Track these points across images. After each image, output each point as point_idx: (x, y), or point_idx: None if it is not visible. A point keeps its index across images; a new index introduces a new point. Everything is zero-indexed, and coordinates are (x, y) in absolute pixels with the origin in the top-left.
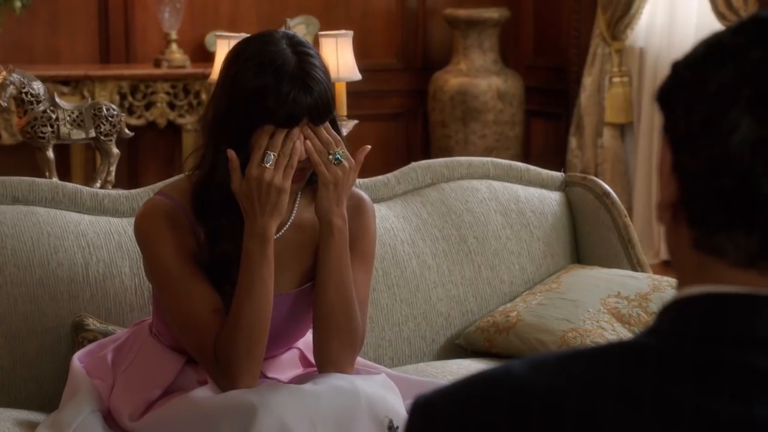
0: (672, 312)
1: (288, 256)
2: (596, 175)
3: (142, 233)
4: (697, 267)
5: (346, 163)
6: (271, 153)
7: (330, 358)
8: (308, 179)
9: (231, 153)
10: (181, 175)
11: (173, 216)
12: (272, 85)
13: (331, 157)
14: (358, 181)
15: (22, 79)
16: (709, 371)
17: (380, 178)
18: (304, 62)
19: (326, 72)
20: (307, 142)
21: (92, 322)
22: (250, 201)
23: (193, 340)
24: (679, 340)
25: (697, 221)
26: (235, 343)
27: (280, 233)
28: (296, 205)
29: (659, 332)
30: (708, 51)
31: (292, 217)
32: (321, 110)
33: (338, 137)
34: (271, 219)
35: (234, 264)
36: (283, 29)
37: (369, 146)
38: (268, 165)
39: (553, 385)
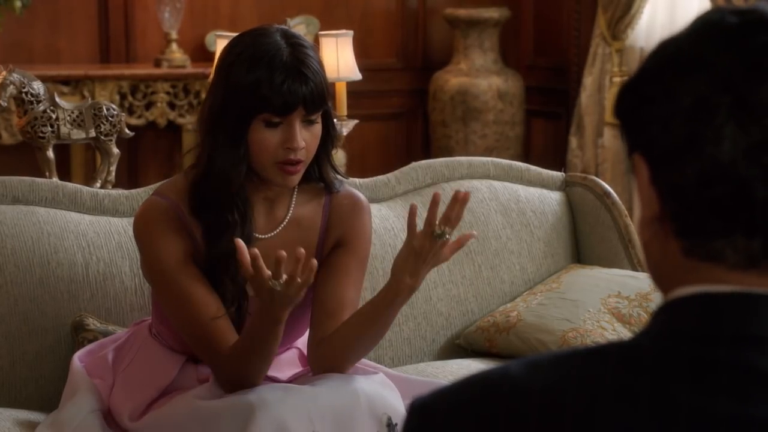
0: (666, 312)
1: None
2: (597, 175)
3: (139, 234)
4: (688, 271)
5: (446, 239)
6: (277, 282)
7: (333, 365)
8: (305, 174)
9: (239, 242)
10: (177, 174)
11: (169, 215)
12: (266, 75)
13: (439, 231)
14: (358, 181)
15: (22, 79)
16: (705, 370)
17: (380, 178)
18: (298, 52)
19: (321, 63)
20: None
21: (92, 322)
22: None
23: (192, 340)
24: (675, 339)
25: (690, 231)
26: (245, 371)
27: (277, 231)
28: (293, 202)
29: (654, 332)
30: (669, 63)
31: (290, 214)
32: (316, 99)
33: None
34: (284, 309)
35: (232, 256)
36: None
37: (475, 233)
38: (278, 289)
39: (550, 385)
